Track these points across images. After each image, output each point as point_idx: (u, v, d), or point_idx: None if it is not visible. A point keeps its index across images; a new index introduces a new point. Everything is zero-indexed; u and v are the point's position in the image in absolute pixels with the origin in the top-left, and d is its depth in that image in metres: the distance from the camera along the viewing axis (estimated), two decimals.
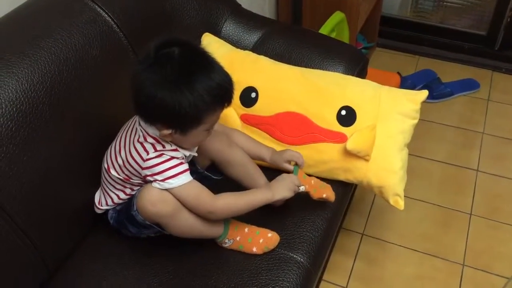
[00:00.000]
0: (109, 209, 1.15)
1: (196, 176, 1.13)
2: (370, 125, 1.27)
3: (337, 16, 1.92)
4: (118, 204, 1.13)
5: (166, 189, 1.01)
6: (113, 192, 1.12)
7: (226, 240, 1.13)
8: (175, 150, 1.04)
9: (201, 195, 1.05)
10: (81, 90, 1.13)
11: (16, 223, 1.01)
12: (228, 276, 1.09)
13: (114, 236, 1.17)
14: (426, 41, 2.61)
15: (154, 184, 1.02)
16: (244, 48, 1.51)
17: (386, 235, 1.75)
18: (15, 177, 1.00)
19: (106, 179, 1.12)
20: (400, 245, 1.72)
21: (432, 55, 2.58)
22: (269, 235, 1.13)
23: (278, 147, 1.30)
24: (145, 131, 1.03)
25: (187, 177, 1.03)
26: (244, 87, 1.35)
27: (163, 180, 1.01)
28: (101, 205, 1.15)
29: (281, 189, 1.12)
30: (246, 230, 1.13)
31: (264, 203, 1.11)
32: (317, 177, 1.30)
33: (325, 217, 1.23)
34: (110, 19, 1.22)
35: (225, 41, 1.49)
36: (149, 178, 1.03)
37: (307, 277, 1.13)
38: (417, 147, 1.97)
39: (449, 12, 2.61)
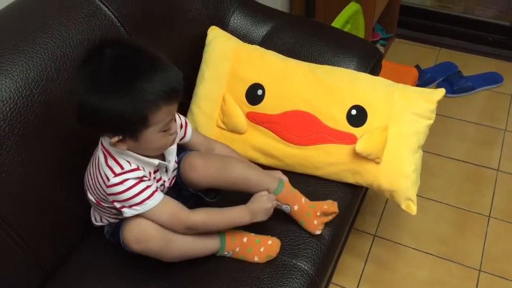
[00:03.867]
0: (104, 225, 1.10)
1: (188, 197, 1.10)
2: (382, 125, 1.20)
3: (352, 7, 1.84)
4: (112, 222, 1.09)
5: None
6: (101, 214, 1.07)
7: (225, 253, 1.08)
8: (136, 169, 0.95)
9: (175, 213, 0.99)
10: None
11: (9, 225, 0.98)
12: (228, 284, 1.05)
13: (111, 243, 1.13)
14: (447, 31, 2.51)
15: (124, 211, 0.96)
16: (252, 42, 1.45)
17: (399, 237, 1.68)
18: (8, 179, 0.97)
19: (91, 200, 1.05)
20: (413, 248, 1.65)
21: (453, 46, 2.48)
22: (269, 242, 1.08)
23: (284, 147, 1.24)
24: (103, 147, 0.97)
25: (156, 199, 0.97)
26: (251, 83, 1.29)
27: (130, 207, 0.95)
28: (96, 221, 1.10)
29: (259, 213, 1.06)
30: (244, 239, 1.08)
31: (241, 224, 1.06)
32: (325, 179, 1.25)
33: (332, 222, 1.17)
34: (110, 13, 1.18)
35: (233, 34, 1.43)
36: (116, 204, 0.97)
37: (311, 286, 1.08)
38: (434, 145, 1.90)
39: (472, 2, 2.51)
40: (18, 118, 0.98)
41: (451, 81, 2.22)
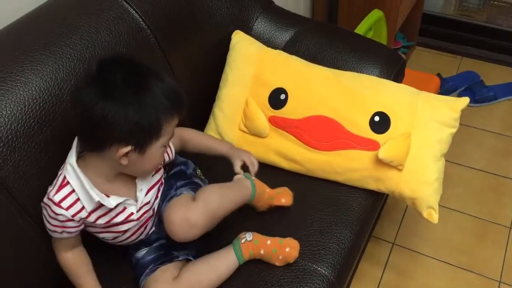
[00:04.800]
0: None
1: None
2: (405, 133, 1.20)
3: (375, 14, 1.84)
4: None
5: None
6: None
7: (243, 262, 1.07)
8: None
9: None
10: None
11: (38, 224, 0.99)
12: (248, 287, 1.05)
13: None
14: (470, 41, 2.49)
15: None
16: (275, 47, 1.46)
17: (419, 246, 1.67)
18: (36, 177, 0.98)
19: None
20: (432, 257, 1.64)
21: (475, 56, 2.45)
22: (287, 249, 1.06)
23: (306, 152, 1.25)
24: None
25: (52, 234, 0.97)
26: (274, 88, 1.30)
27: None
28: None
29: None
30: (262, 252, 1.06)
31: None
32: (346, 185, 1.25)
33: (353, 229, 1.17)
34: (138, 16, 1.20)
35: (256, 39, 1.44)
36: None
37: None
38: (455, 154, 1.88)
39: (496, 11, 2.49)
40: (47, 117, 1.00)
41: (473, 90, 2.20)
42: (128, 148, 0.89)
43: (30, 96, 0.98)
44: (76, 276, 1.00)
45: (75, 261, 1.00)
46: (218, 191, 1.02)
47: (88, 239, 1.03)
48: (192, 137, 1.20)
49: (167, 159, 1.08)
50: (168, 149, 1.08)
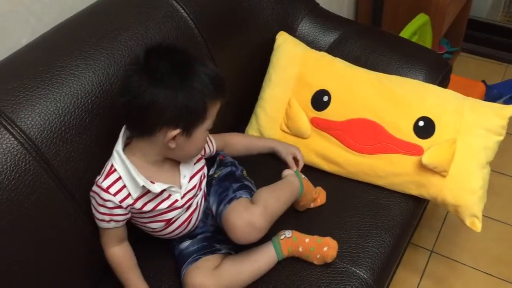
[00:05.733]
0: None
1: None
2: (450, 139, 1.18)
3: (421, 19, 1.81)
4: None
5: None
6: None
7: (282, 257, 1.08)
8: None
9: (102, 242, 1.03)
10: None
11: (84, 212, 1.03)
12: (286, 285, 1.06)
13: None
14: None
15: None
16: (319, 48, 1.46)
17: (458, 255, 1.64)
18: (86, 167, 1.02)
19: None
20: (472, 267, 1.60)
21: None
22: (325, 249, 1.06)
23: (348, 154, 1.24)
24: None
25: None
26: (317, 89, 1.30)
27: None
28: None
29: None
30: (300, 249, 1.07)
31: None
32: (387, 189, 1.24)
33: (393, 233, 1.16)
34: (186, 15, 1.22)
35: (300, 40, 1.45)
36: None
37: None
38: (499, 163, 1.81)
39: None
40: (98, 110, 1.03)
41: None
42: (177, 131, 0.93)
43: (83, 89, 1.02)
44: (122, 271, 1.04)
45: (122, 256, 1.03)
46: (273, 194, 1.06)
47: (129, 234, 1.06)
48: (237, 139, 1.25)
49: (208, 151, 1.12)
50: (209, 141, 1.12)
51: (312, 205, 1.20)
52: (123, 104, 0.94)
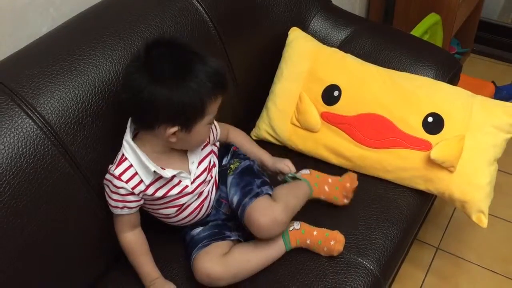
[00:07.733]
0: None
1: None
2: (459, 135, 1.20)
3: (432, 18, 1.83)
4: None
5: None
6: None
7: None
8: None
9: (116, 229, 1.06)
10: None
11: (98, 195, 1.05)
12: (293, 274, 1.08)
13: None
14: None
15: None
16: (331, 45, 1.48)
17: (463, 252, 1.65)
18: (102, 154, 1.04)
19: None
20: (477, 265, 1.62)
21: None
22: (332, 243, 1.09)
23: (356, 148, 1.26)
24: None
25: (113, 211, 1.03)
26: (328, 84, 1.32)
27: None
28: None
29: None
30: (308, 242, 1.09)
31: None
32: (395, 184, 1.26)
33: (400, 226, 1.18)
34: (201, 9, 1.25)
35: (312, 36, 1.47)
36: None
37: (375, 285, 1.09)
38: (506, 163, 1.82)
39: None
40: (116, 99, 1.06)
41: None
42: (175, 128, 0.96)
43: (101, 78, 1.04)
44: (134, 256, 1.07)
45: (135, 241, 1.06)
46: (292, 192, 1.12)
47: (141, 222, 1.09)
48: (236, 138, 1.24)
49: (212, 139, 1.14)
50: (214, 129, 1.14)
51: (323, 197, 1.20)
52: (124, 100, 0.98)
